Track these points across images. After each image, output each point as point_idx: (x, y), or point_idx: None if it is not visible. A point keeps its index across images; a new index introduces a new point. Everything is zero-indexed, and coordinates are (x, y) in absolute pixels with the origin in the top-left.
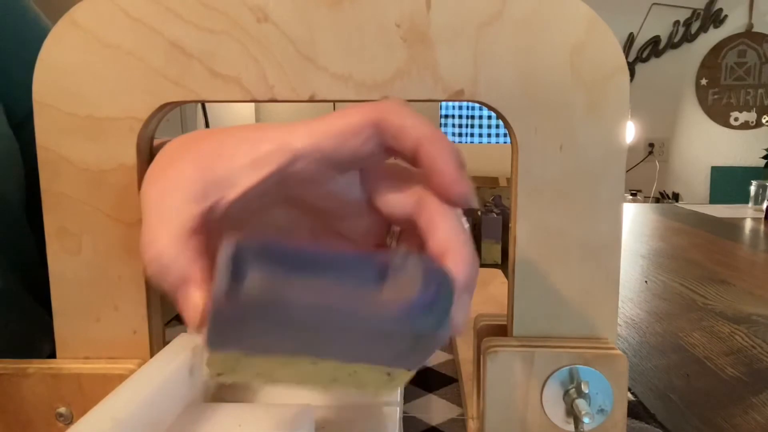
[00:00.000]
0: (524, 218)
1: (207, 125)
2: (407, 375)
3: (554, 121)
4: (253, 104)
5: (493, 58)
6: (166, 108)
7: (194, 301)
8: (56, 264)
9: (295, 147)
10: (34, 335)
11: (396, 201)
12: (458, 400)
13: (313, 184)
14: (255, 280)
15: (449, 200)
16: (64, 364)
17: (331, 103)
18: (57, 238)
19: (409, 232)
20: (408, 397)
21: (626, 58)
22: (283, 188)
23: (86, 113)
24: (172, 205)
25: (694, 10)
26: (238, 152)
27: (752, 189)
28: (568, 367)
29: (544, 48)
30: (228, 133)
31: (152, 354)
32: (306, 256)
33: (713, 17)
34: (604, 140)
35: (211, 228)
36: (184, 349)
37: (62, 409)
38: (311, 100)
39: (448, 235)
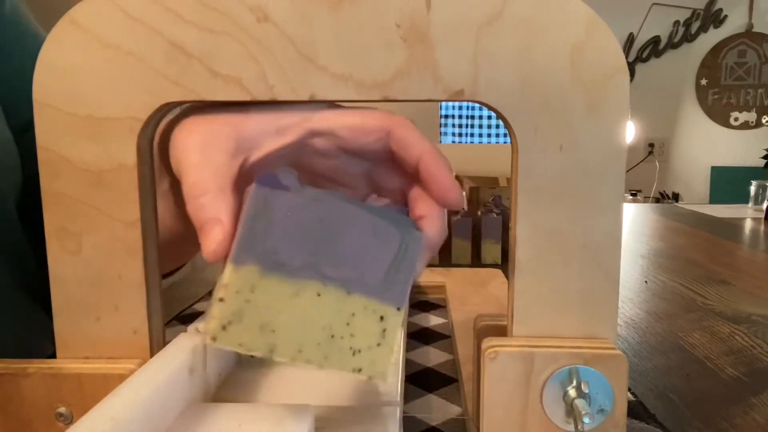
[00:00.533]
0: (524, 218)
1: None
2: (397, 319)
3: (554, 121)
4: None
5: (493, 58)
6: (166, 108)
7: (216, 234)
8: (56, 264)
9: (312, 125)
10: (34, 338)
11: (395, 178)
12: (458, 400)
13: (324, 157)
14: (278, 195)
15: (445, 203)
16: (64, 364)
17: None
18: (57, 238)
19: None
20: (408, 397)
21: (626, 58)
22: (297, 155)
23: (86, 113)
24: (216, 157)
25: (694, 10)
26: (264, 120)
27: (752, 189)
28: (567, 367)
29: (544, 48)
30: (251, 105)
31: (152, 354)
32: (317, 191)
33: (713, 17)
34: (604, 140)
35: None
36: (184, 349)
37: (62, 409)
38: (311, 100)
39: (429, 208)
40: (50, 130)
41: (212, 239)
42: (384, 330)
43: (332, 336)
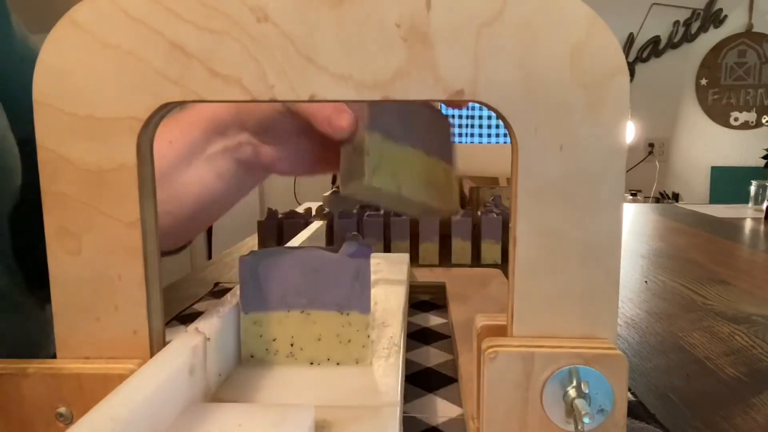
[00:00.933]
0: (524, 218)
1: None
2: (453, 172)
3: (554, 121)
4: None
5: (493, 58)
6: (166, 108)
7: (348, 115)
8: (56, 264)
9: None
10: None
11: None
12: (458, 400)
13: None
14: None
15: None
16: (64, 364)
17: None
18: (57, 238)
19: None
20: (408, 397)
21: (626, 58)
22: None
23: (86, 113)
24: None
25: (694, 10)
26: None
27: (752, 189)
28: (568, 367)
29: (545, 48)
30: None
31: (152, 354)
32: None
33: (713, 17)
34: (604, 140)
35: None
36: (184, 349)
37: (62, 409)
38: (311, 100)
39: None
40: (50, 130)
41: (346, 119)
42: (450, 181)
43: (428, 182)
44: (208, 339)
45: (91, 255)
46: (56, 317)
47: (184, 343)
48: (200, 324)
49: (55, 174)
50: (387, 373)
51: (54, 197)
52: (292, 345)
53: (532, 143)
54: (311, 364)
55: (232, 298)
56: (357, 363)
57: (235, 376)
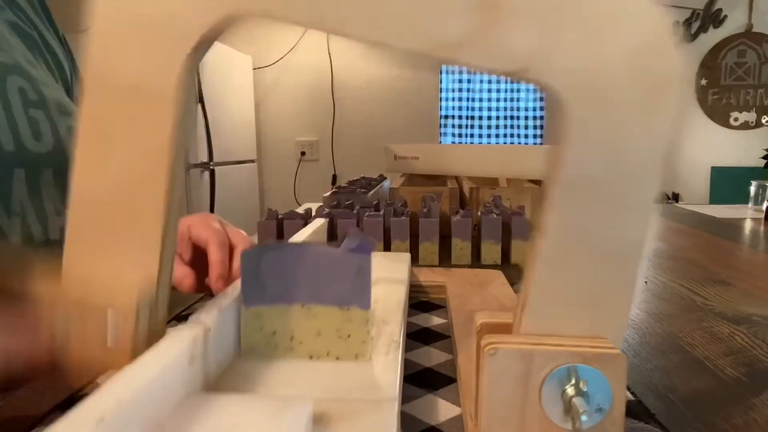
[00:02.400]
0: (555, 211)
1: (206, 125)
2: None
3: (608, 118)
4: (252, 101)
5: (563, 43)
6: (224, 24)
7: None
8: (81, 180)
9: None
10: None
11: None
12: (458, 400)
13: None
14: None
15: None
16: None
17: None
18: (89, 146)
19: None
20: (408, 397)
21: None
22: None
23: (136, 27)
24: None
25: (694, 10)
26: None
27: (752, 189)
28: (566, 366)
29: (614, 42)
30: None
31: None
32: None
33: (713, 17)
34: (652, 144)
35: None
36: (184, 339)
37: None
38: (375, 45)
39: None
40: (99, 42)
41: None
42: None
43: None
44: (209, 330)
45: (117, 172)
46: (68, 237)
47: (184, 333)
48: (201, 315)
49: (97, 87)
50: (386, 368)
51: (94, 108)
52: (291, 339)
53: (583, 136)
54: (311, 358)
55: (233, 291)
56: (356, 358)
57: (234, 369)
